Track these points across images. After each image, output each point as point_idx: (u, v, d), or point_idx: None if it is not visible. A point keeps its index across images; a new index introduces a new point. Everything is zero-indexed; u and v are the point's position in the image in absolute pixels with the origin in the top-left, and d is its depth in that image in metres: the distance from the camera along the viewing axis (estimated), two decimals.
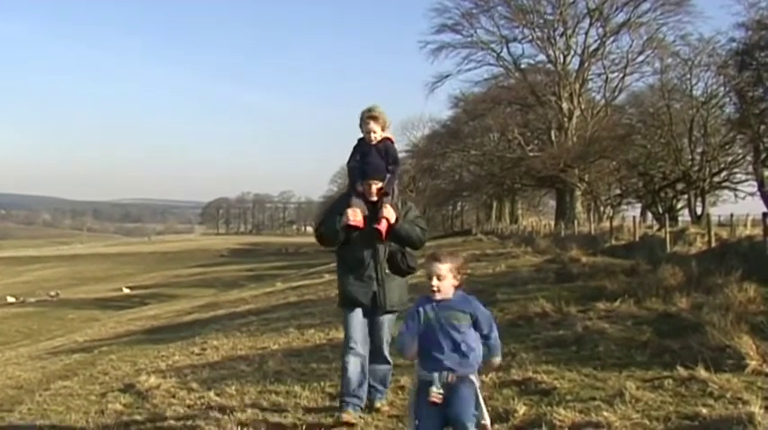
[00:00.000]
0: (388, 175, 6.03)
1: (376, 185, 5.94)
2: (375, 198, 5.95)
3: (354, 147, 6.26)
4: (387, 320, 6.04)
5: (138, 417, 6.71)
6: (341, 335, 9.81)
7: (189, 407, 6.89)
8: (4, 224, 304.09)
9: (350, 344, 5.92)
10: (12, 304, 51.22)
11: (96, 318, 35.94)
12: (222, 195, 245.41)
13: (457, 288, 4.37)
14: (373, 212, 5.91)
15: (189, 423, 6.31)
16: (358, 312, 5.97)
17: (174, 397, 7.41)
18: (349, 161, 6.23)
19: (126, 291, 57.22)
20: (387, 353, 6.06)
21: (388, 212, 5.85)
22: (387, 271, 5.94)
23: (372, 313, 5.99)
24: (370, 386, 6.00)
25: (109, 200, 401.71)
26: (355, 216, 5.84)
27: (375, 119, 6.10)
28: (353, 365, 5.84)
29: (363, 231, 5.88)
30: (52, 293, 56.56)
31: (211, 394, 7.16)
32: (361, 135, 6.20)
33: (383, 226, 5.81)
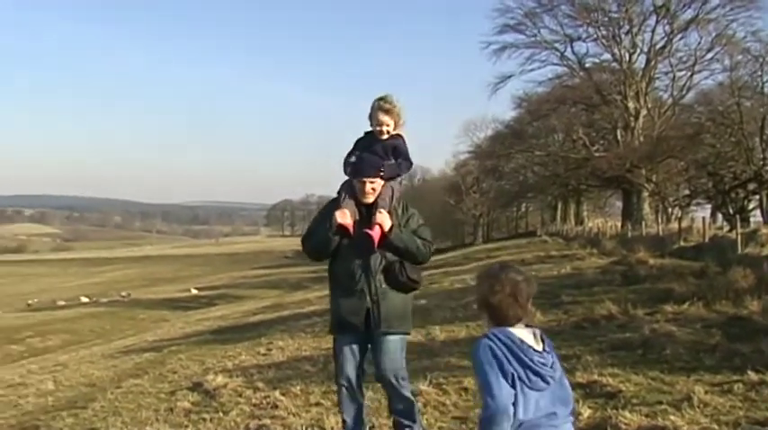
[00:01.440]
0: (386, 171, 5.07)
1: (371, 184, 5.00)
2: (370, 200, 5.03)
3: (357, 141, 5.33)
4: (391, 345, 5.01)
5: (205, 415, 6.85)
6: None
7: (255, 406, 7.00)
8: (77, 226, 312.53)
9: (340, 380, 5.11)
10: (85, 304, 52.44)
11: (166, 319, 36.60)
12: (287, 197, 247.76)
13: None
14: (368, 217, 4.97)
15: (255, 422, 6.42)
16: (349, 339, 5.05)
17: (240, 396, 7.54)
18: (347, 156, 5.24)
19: (194, 291, 58.06)
20: (402, 387, 5.04)
21: (382, 218, 4.89)
22: (383, 284, 4.97)
23: (369, 337, 5.03)
24: (395, 422, 5.19)
25: (177, 202, 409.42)
26: (344, 217, 4.91)
27: (388, 112, 5.11)
28: (347, 397, 5.10)
29: (354, 239, 4.94)
30: (124, 294, 57.75)
31: (277, 393, 7.26)
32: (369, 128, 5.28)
33: (375, 232, 4.85)
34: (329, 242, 4.99)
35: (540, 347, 3.00)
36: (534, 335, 3.05)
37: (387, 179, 5.09)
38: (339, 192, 5.20)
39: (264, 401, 7.10)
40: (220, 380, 8.37)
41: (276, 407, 6.78)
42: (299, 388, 7.42)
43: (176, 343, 16.20)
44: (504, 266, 3.14)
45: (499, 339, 2.96)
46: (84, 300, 55.47)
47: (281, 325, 16.10)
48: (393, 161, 5.17)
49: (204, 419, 6.74)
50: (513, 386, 2.89)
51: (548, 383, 2.95)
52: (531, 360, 2.93)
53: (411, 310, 5.23)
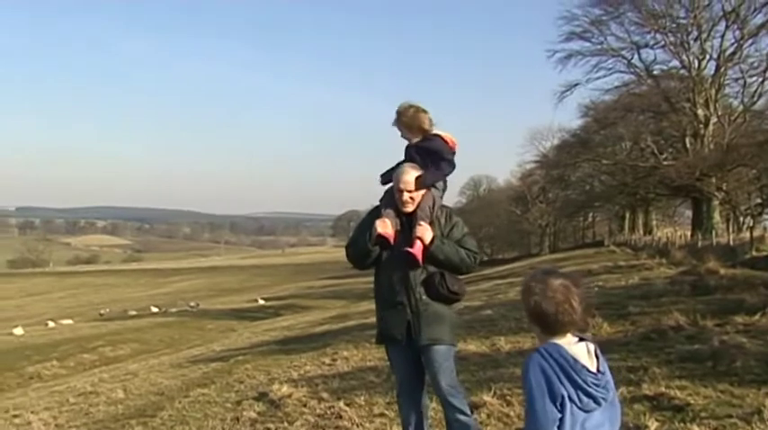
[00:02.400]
0: (424, 178, 4.93)
1: (408, 193, 4.87)
2: (409, 209, 4.91)
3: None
4: (436, 356, 4.87)
5: (270, 425, 6.93)
6: (468, 347, 9.84)
7: (319, 416, 7.04)
8: (147, 238, 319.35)
9: (396, 391, 5.28)
10: (155, 314, 53.37)
11: (233, 328, 37.02)
12: (353, 208, 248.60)
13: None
14: (408, 227, 4.89)
15: None
16: (397, 351, 5.06)
17: (305, 406, 7.60)
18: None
19: (261, 302, 58.60)
20: (455, 399, 4.90)
21: (422, 231, 4.79)
22: (423, 296, 4.85)
23: (414, 349, 4.95)
24: None
25: (245, 213, 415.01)
26: (384, 227, 4.85)
27: (398, 121, 5.09)
28: (405, 409, 5.12)
29: (394, 250, 4.88)
30: (192, 304, 58.64)
31: (341, 404, 7.29)
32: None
33: (417, 248, 4.76)
34: (369, 252, 4.95)
35: (594, 366, 2.88)
36: (588, 351, 2.91)
37: (427, 186, 4.96)
38: (380, 201, 5.14)
39: (329, 412, 7.14)
40: (285, 390, 8.44)
41: (340, 417, 6.82)
42: (363, 398, 7.45)
43: (243, 352, 16.37)
44: (550, 271, 2.97)
45: (552, 357, 2.84)
46: (154, 309, 56.50)
47: (347, 335, 16.14)
48: (432, 167, 4.98)
49: (269, 429, 6.82)
50: (563, 407, 2.80)
51: (599, 405, 2.85)
52: (585, 381, 2.82)
53: (455, 321, 5.08)
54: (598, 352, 2.94)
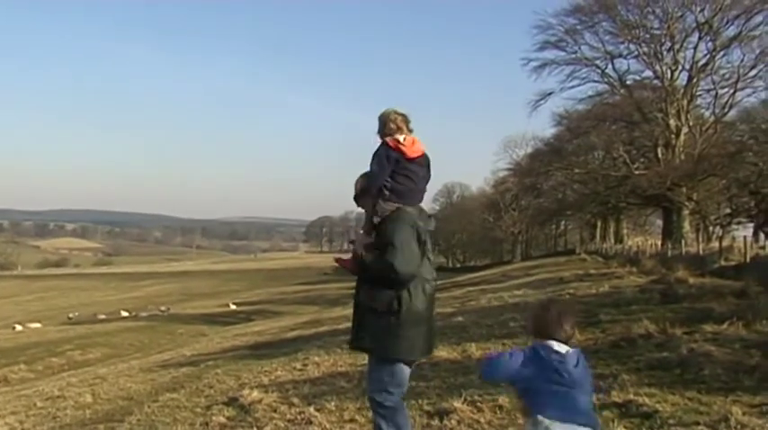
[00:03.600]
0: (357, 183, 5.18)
1: (356, 201, 5.22)
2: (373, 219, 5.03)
3: None
4: (370, 366, 5.14)
5: None
6: (439, 353, 9.89)
7: (290, 421, 7.01)
8: (117, 241, 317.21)
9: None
10: (125, 318, 53.13)
11: (204, 333, 36.88)
12: (326, 214, 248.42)
13: None
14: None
15: None
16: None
17: (275, 411, 7.56)
18: None
19: (233, 307, 58.51)
20: (373, 407, 5.03)
21: (355, 242, 5.08)
22: (360, 303, 5.06)
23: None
24: None
25: (217, 218, 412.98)
26: (343, 255, 5.21)
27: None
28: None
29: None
30: (163, 308, 58.43)
31: (311, 409, 7.26)
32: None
33: (347, 257, 5.09)
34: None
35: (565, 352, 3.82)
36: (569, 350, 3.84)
37: (365, 193, 5.06)
38: None
39: (299, 417, 7.11)
40: (256, 395, 8.40)
41: (311, 422, 6.79)
42: (333, 404, 7.42)
43: (213, 357, 16.31)
44: (553, 300, 3.97)
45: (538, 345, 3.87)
46: (124, 314, 56.22)
47: (318, 341, 16.11)
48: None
49: None
50: (532, 381, 3.77)
51: (562, 378, 3.74)
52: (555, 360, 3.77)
53: (387, 333, 4.83)
54: (580, 355, 3.89)
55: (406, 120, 5.06)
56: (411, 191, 5.01)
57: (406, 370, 4.97)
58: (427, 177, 5.14)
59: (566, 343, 3.83)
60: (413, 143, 5.02)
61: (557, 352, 3.78)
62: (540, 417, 3.71)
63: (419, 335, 4.89)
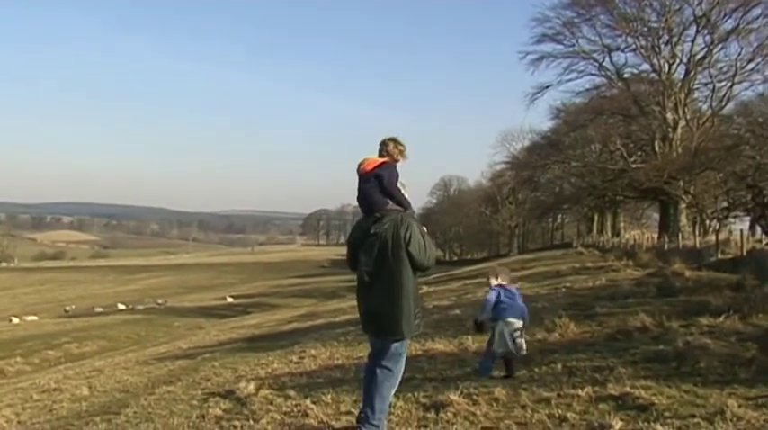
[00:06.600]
0: None
1: None
2: None
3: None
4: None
5: (236, 423, 6.88)
6: (436, 346, 9.89)
7: (285, 414, 7.01)
8: (114, 234, 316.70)
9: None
10: (122, 311, 53.10)
11: (200, 326, 36.89)
12: (323, 207, 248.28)
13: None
14: None
15: (285, 429, 6.44)
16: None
17: (271, 403, 7.56)
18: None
19: (229, 300, 58.49)
20: None
21: None
22: None
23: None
24: None
25: (214, 211, 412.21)
26: None
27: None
28: None
29: None
30: (160, 301, 58.35)
31: (308, 402, 7.27)
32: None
33: None
34: None
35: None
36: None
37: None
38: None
39: (295, 409, 7.11)
40: (252, 387, 8.40)
41: (307, 415, 6.79)
42: (329, 396, 7.43)
43: (210, 350, 16.31)
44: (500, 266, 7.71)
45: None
46: (121, 306, 56.15)
47: (315, 333, 16.13)
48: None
49: (235, 427, 6.76)
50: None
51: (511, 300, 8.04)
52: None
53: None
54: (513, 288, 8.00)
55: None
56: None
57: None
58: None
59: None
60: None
61: (507, 289, 8.08)
62: (507, 319, 7.91)
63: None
